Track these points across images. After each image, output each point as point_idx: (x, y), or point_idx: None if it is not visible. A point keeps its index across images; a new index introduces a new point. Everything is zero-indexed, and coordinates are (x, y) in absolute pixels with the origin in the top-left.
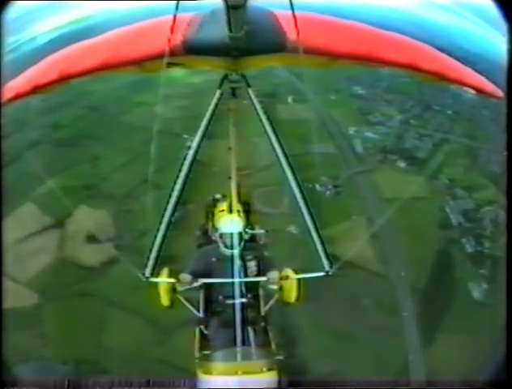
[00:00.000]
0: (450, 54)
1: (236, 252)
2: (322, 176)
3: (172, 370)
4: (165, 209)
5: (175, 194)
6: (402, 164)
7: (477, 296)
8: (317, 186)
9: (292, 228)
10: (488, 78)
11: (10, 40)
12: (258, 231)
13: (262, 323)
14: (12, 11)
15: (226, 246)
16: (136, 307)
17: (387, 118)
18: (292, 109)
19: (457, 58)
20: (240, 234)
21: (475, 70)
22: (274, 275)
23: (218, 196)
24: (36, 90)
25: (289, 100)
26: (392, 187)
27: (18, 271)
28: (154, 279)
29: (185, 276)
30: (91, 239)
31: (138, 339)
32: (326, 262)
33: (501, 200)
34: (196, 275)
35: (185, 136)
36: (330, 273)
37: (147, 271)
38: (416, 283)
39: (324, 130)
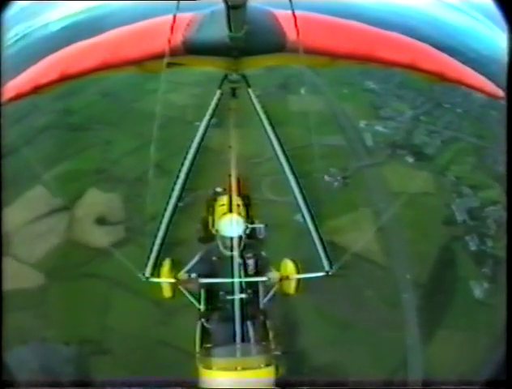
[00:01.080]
0: (461, 55)
1: (235, 254)
2: (331, 167)
3: (174, 351)
4: (165, 210)
5: (173, 197)
6: (410, 160)
7: (478, 294)
8: (326, 177)
9: (299, 217)
10: (498, 80)
11: (22, 26)
12: (258, 225)
13: (262, 317)
14: None
15: (226, 247)
16: (141, 288)
17: (398, 113)
18: (305, 100)
19: (468, 59)
20: (240, 237)
21: (486, 72)
22: (274, 275)
23: (219, 189)
24: (36, 90)
25: (302, 91)
26: (399, 181)
27: (25, 252)
28: (154, 280)
29: (185, 277)
30: (101, 221)
31: (142, 319)
32: (326, 263)
33: (505, 201)
34: (199, 274)
35: (197, 123)
36: (330, 273)
37: (147, 271)
38: (419, 278)
39: (335, 122)
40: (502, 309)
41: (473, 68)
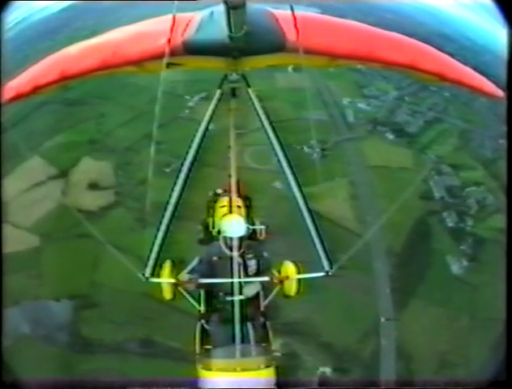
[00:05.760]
0: (454, 42)
1: (235, 254)
2: (312, 140)
3: (157, 303)
4: (165, 209)
5: (174, 198)
6: (390, 136)
7: (456, 271)
8: (306, 148)
9: (277, 184)
10: (491, 70)
11: (21, 10)
12: (259, 226)
13: (262, 319)
14: None
15: (226, 248)
16: (128, 246)
17: (382, 93)
18: (291, 77)
19: (462, 47)
20: (240, 237)
21: (480, 60)
22: (274, 272)
23: (219, 191)
24: (36, 90)
25: (289, 69)
26: (377, 156)
27: (22, 218)
28: (154, 280)
29: (185, 277)
30: (93, 187)
31: (127, 275)
32: (326, 263)
33: (489, 183)
34: (200, 276)
35: (187, 97)
36: (330, 273)
37: (147, 271)
38: (393, 246)
39: (319, 98)
40: (482, 290)
41: (466, 55)
